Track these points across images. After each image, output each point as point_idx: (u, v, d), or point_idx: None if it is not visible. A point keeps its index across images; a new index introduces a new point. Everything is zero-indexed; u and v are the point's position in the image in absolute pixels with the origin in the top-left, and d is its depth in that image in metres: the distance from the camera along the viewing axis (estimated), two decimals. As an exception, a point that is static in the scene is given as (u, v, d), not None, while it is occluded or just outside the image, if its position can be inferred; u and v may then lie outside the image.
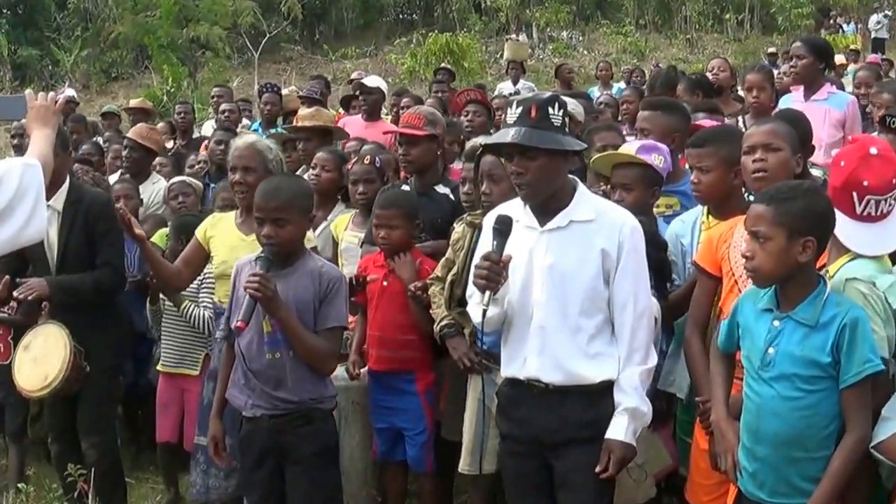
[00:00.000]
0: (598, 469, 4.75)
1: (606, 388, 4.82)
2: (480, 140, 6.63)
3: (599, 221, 4.83)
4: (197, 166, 10.44)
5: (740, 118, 9.24)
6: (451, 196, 7.08)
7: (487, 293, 4.71)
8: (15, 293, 6.86)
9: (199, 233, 6.55)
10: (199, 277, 7.07)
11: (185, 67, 29.34)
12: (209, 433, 5.76)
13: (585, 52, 31.43)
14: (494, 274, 4.69)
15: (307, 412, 5.38)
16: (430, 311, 6.27)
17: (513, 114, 4.77)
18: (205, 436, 6.23)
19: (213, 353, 6.67)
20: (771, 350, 4.40)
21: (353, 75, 16.98)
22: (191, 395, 7.32)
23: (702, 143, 5.70)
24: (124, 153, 9.82)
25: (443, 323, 6.11)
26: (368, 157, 7.61)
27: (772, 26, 30.63)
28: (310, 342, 5.28)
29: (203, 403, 6.58)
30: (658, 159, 6.05)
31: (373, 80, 12.48)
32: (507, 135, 4.75)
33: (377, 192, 7.05)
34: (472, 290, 5.00)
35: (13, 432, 8.34)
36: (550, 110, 4.74)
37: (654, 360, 4.93)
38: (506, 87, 18.50)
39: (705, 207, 5.78)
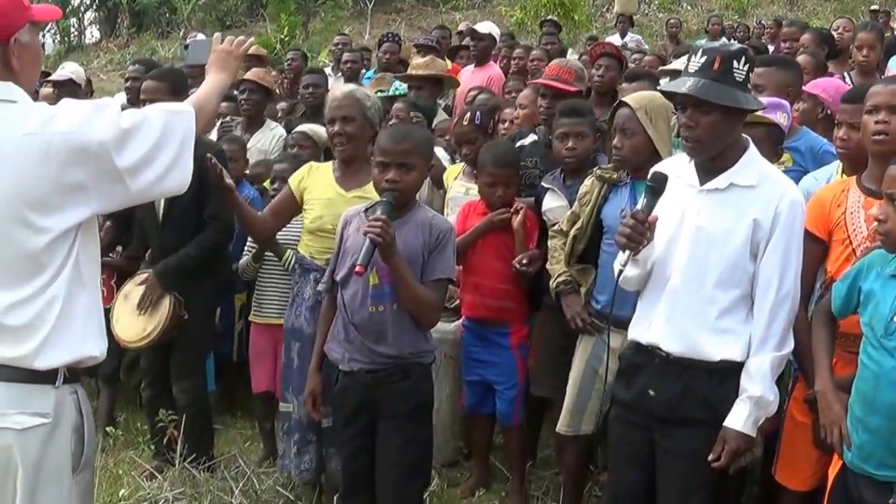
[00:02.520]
0: (710, 458, 4.46)
1: (730, 368, 4.50)
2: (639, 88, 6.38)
3: (760, 188, 4.48)
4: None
5: (846, 75, 8.98)
6: None
7: (627, 252, 4.48)
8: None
9: (292, 182, 6.36)
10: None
11: (299, 17, 29.34)
12: (307, 387, 5.60)
13: (689, 7, 30.84)
14: (637, 234, 4.43)
15: (406, 367, 5.22)
16: (548, 266, 6.15)
17: (695, 62, 4.47)
18: (287, 402, 6.31)
19: (290, 310, 6.47)
20: None
21: (461, 27, 16.87)
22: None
23: (859, 99, 5.29)
24: (242, 96, 9.66)
25: (560, 279, 5.99)
26: (468, 115, 7.44)
27: (870, -16, 29.95)
28: (418, 292, 5.10)
29: (285, 363, 6.44)
30: (782, 117, 5.80)
31: (485, 26, 12.67)
32: (684, 84, 4.46)
33: (480, 148, 6.90)
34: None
35: (106, 376, 8.36)
36: (735, 64, 4.42)
37: (789, 347, 4.56)
38: (614, 40, 18.21)
39: (839, 165, 5.49)
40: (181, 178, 3.82)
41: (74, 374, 3.77)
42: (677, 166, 4.67)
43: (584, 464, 6.14)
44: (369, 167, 5.50)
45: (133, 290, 7.03)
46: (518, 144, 7.20)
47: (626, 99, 5.70)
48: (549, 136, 6.84)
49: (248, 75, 9.87)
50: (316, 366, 5.58)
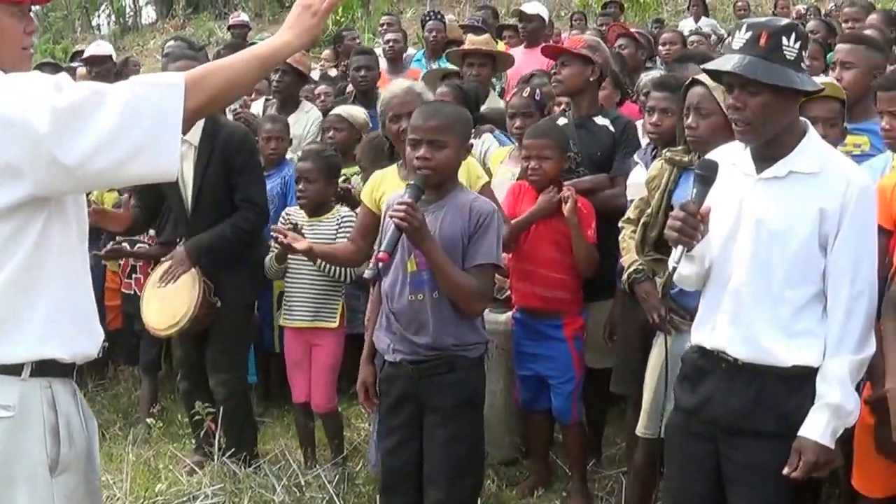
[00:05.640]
0: (785, 471, 4.12)
1: (806, 374, 4.12)
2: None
3: (824, 175, 4.11)
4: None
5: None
6: (611, 128, 6.71)
7: (680, 248, 4.12)
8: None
9: (365, 197, 6.11)
10: (336, 223, 6.86)
11: (359, -4, 29.23)
12: (359, 378, 5.49)
13: (765, -11, 30.43)
14: (689, 227, 4.08)
15: (450, 359, 5.02)
16: (621, 260, 5.92)
17: (740, 38, 4.13)
18: None
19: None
20: None
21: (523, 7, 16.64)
22: (320, 350, 6.96)
23: (893, 86, 5.12)
24: (275, 77, 9.36)
25: (631, 269, 5.74)
26: (528, 89, 7.29)
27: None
28: (457, 278, 4.90)
29: None
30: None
31: (532, 7, 12.12)
32: (728, 62, 4.12)
33: (532, 126, 6.76)
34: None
35: (147, 364, 8.32)
36: (784, 40, 4.06)
37: (870, 349, 4.17)
38: (687, 24, 17.88)
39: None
40: (158, 165, 3.30)
41: (50, 367, 3.44)
42: (732, 154, 4.34)
43: (654, 465, 5.75)
44: None
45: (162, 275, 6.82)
46: None
47: (700, 77, 5.35)
48: (577, 116, 6.82)
49: None
50: (367, 356, 5.48)
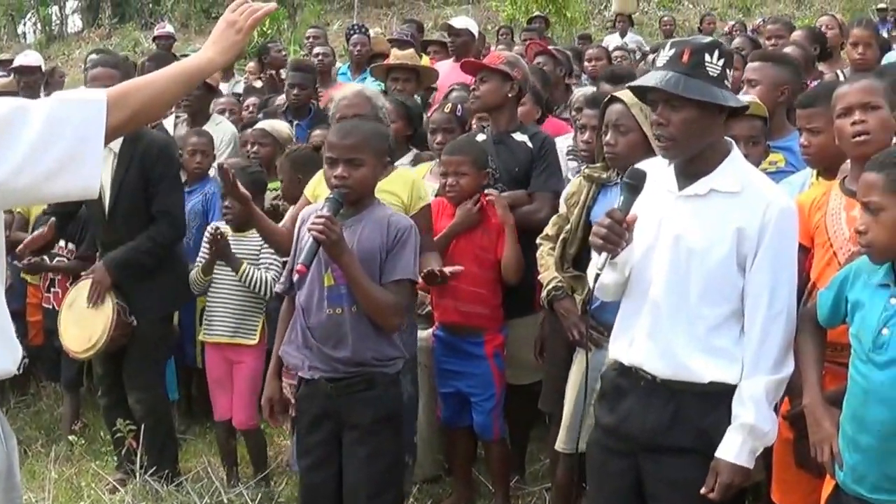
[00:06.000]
0: (702, 490, 4.13)
1: (723, 392, 4.14)
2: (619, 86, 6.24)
3: (744, 195, 4.14)
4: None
5: (839, 72, 8.70)
6: (529, 144, 6.70)
7: (604, 255, 4.09)
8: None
9: (307, 191, 6.11)
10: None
11: (284, 9, 29.17)
12: (265, 394, 5.43)
13: (690, 5, 30.60)
14: (614, 234, 4.06)
15: (369, 376, 5.01)
16: (539, 276, 5.91)
17: (664, 56, 4.19)
18: None
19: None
20: (885, 331, 3.82)
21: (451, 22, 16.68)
22: (241, 367, 6.94)
23: (811, 103, 5.11)
24: None
25: (550, 286, 5.74)
26: (450, 105, 7.33)
27: (881, -18, 29.57)
28: (374, 293, 4.91)
29: None
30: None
31: (461, 21, 11.93)
32: (651, 78, 4.17)
33: (454, 141, 6.77)
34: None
35: (68, 381, 8.23)
36: (707, 57, 4.10)
37: (788, 370, 4.17)
38: (613, 40, 18.01)
39: (814, 170, 5.24)
40: (80, 182, 3.28)
41: None
42: (656, 169, 4.33)
43: (575, 480, 5.79)
44: None
45: (77, 296, 6.77)
46: None
47: (618, 94, 5.45)
48: (496, 132, 6.81)
49: None
50: (274, 371, 5.42)
